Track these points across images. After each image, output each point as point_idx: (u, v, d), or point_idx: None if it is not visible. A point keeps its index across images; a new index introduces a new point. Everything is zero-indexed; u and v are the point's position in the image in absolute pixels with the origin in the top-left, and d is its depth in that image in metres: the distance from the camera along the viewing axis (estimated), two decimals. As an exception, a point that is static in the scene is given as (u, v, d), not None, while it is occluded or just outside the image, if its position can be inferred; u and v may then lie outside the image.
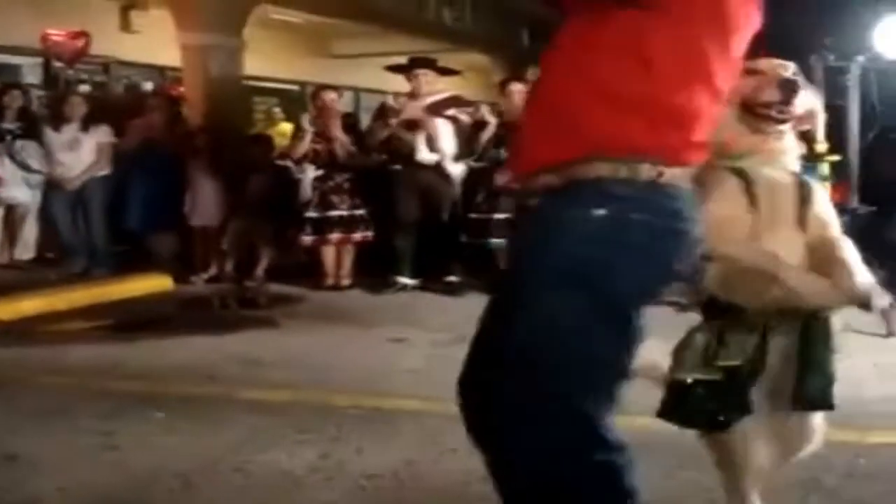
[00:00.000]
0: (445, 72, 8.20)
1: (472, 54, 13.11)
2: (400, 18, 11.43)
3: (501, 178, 7.04)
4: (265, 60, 11.24)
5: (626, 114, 1.94)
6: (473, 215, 7.80)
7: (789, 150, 2.87)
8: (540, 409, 1.92)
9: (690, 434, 2.91)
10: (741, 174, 2.74)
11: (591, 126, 1.95)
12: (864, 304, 2.63)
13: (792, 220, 2.77)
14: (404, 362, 5.54)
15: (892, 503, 3.41)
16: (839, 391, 2.72)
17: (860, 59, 6.79)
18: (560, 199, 1.98)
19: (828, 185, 6.98)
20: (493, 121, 7.89)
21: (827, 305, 2.70)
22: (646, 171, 1.95)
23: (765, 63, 2.80)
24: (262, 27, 10.92)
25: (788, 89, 2.76)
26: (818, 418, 2.87)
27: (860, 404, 4.45)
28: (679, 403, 2.79)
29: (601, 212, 1.93)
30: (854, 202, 6.89)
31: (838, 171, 7.17)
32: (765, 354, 2.73)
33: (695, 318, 2.86)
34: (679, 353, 2.81)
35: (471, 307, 7.03)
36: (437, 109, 7.77)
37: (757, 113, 2.78)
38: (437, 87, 7.99)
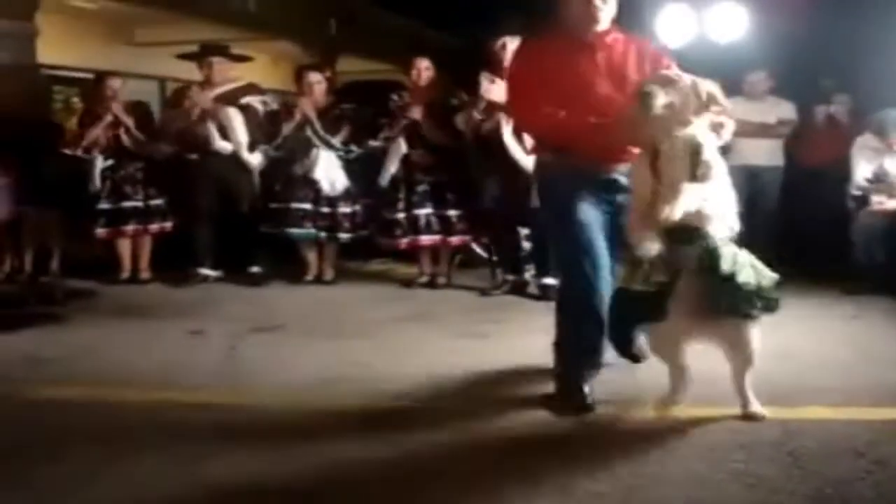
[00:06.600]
0: (238, 58, 8.08)
1: (281, 43, 13.02)
2: (204, 6, 11.22)
3: None
4: (64, 49, 10.86)
5: None
6: (273, 205, 7.74)
7: None
8: None
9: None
10: None
11: None
12: None
13: None
14: (201, 356, 5.46)
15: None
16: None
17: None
18: None
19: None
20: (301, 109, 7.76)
21: None
22: None
23: None
24: (60, 14, 10.54)
25: None
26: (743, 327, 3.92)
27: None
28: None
29: None
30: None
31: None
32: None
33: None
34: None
35: (272, 297, 7.09)
36: (229, 98, 7.68)
37: None
38: (231, 76, 7.88)
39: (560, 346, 4.38)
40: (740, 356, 3.98)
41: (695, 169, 3.83)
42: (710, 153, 3.88)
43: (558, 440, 3.89)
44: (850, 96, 8.81)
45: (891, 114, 7.05)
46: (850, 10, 9.66)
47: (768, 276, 3.95)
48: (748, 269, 3.89)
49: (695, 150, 3.84)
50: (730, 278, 3.82)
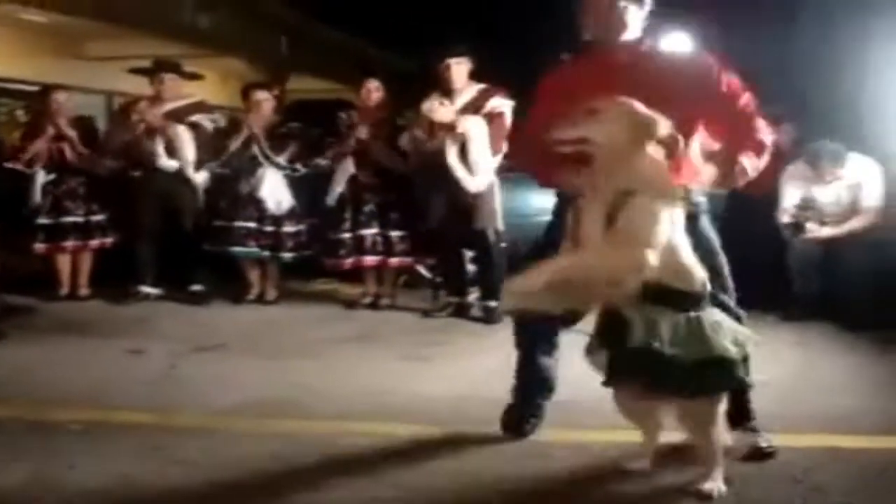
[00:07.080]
0: (191, 76, 8.01)
1: (230, 60, 12.95)
2: (154, 21, 11.13)
3: None
4: (10, 61, 10.74)
5: None
6: (217, 223, 7.65)
7: None
8: None
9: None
10: None
11: None
12: None
13: None
14: (140, 374, 5.38)
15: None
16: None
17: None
18: None
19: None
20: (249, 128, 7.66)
21: None
22: None
23: None
24: (8, 27, 10.42)
25: None
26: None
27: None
28: None
29: None
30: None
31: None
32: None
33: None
34: None
35: (214, 316, 7.01)
36: (177, 115, 7.59)
37: None
38: (182, 92, 7.79)
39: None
40: (698, 439, 3.52)
41: (610, 224, 3.13)
42: (644, 207, 3.11)
43: (504, 465, 3.87)
44: (795, 125, 8.92)
45: (826, 146, 7.11)
46: (791, 41, 9.81)
47: (728, 345, 3.34)
48: (697, 342, 3.27)
49: (615, 204, 3.12)
50: (662, 353, 3.23)
